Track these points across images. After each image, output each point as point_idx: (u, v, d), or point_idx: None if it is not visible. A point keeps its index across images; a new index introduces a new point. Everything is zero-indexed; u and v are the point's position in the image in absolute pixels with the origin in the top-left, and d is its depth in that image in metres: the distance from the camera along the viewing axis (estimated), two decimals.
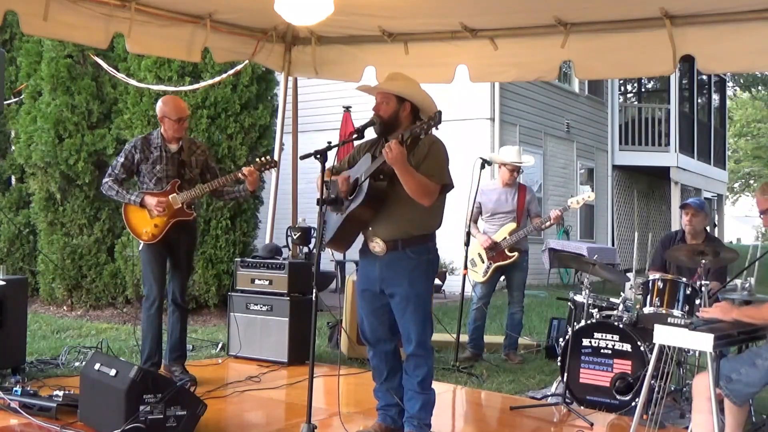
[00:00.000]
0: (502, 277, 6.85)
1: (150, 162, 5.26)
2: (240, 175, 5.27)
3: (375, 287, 4.02)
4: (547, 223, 6.54)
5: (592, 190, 18.16)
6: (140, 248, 5.32)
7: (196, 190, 5.26)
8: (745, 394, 3.48)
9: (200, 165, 5.43)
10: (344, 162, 4.22)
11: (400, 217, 3.90)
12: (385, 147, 3.70)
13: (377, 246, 3.95)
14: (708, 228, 5.90)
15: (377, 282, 4.00)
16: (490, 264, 6.62)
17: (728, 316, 3.59)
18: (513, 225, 6.61)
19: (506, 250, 6.59)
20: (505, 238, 6.58)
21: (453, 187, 3.99)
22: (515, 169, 6.71)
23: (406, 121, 3.95)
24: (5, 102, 7.20)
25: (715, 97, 24.09)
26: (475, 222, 6.75)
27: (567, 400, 4.96)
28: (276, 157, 7.21)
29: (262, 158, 5.42)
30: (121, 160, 5.30)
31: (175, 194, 5.23)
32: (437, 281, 11.18)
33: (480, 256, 6.69)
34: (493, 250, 6.59)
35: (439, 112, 3.69)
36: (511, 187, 6.73)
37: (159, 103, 5.37)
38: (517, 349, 6.86)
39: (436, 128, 3.71)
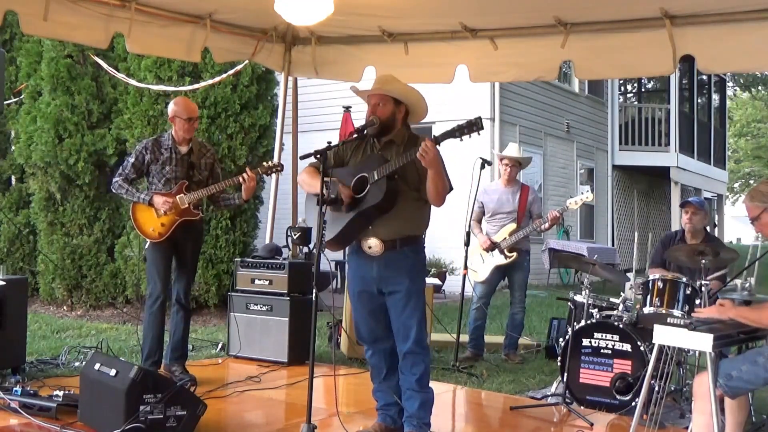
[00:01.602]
0: (505, 278, 6.86)
1: (160, 163, 5.33)
2: (241, 178, 5.29)
3: (372, 288, 4.02)
4: (546, 225, 6.53)
5: (592, 191, 18.20)
6: (146, 247, 5.37)
7: (202, 191, 5.32)
8: (742, 390, 3.48)
9: (208, 168, 5.49)
10: (330, 156, 4.16)
11: (400, 218, 3.91)
12: (422, 149, 3.66)
13: (374, 246, 3.94)
14: (708, 228, 5.90)
15: (375, 282, 4.00)
16: (490, 264, 6.62)
17: (725, 315, 3.58)
18: (513, 225, 6.61)
19: (506, 251, 6.58)
20: (505, 238, 6.58)
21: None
22: (514, 165, 6.70)
23: (400, 123, 3.99)
24: (5, 102, 7.20)
25: (715, 97, 24.09)
26: (478, 222, 6.76)
27: (567, 400, 4.96)
28: (276, 157, 7.23)
29: (269, 162, 5.48)
30: (132, 160, 5.38)
31: (182, 194, 5.29)
32: (437, 281, 11.17)
33: (480, 256, 6.69)
34: (493, 250, 6.59)
35: (479, 118, 3.69)
36: (514, 187, 6.72)
37: (170, 104, 5.46)
38: (517, 348, 6.85)
39: (478, 134, 3.71)
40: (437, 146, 3.71)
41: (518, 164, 6.77)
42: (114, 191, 5.44)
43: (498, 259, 6.60)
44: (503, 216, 6.66)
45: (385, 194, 3.83)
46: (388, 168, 3.83)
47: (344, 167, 4.08)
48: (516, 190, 6.71)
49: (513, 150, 6.80)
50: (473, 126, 3.67)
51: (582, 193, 6.60)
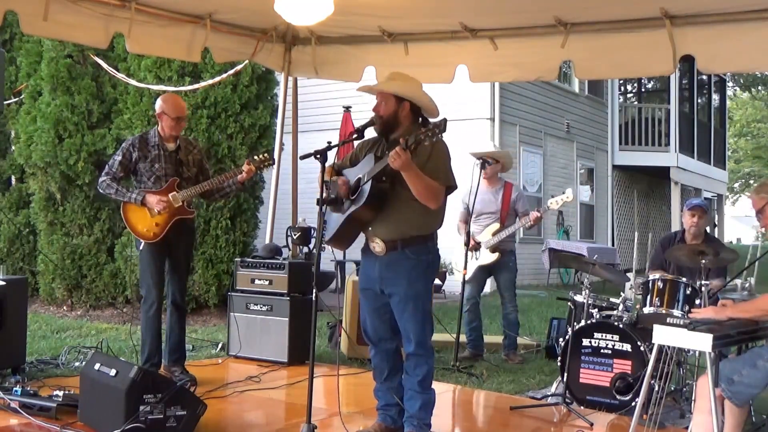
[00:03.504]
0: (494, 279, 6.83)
1: (148, 161, 5.24)
2: (240, 175, 5.27)
3: (375, 287, 4.04)
4: (528, 224, 6.55)
5: (592, 191, 18.22)
6: (140, 248, 5.28)
7: (195, 188, 5.25)
8: (747, 396, 3.48)
9: (196, 164, 5.43)
10: (346, 159, 4.22)
11: (399, 218, 3.91)
12: (391, 154, 3.68)
13: (377, 246, 3.96)
14: (708, 228, 5.91)
15: (377, 281, 4.01)
16: (473, 264, 6.56)
17: (722, 315, 3.58)
18: (497, 226, 6.57)
19: (488, 251, 6.56)
20: (489, 238, 6.54)
21: (456, 188, 4.01)
22: (488, 161, 6.57)
23: (406, 121, 3.97)
24: (5, 102, 7.20)
25: (715, 97, 24.09)
26: (465, 222, 6.70)
27: (567, 400, 4.96)
28: (276, 157, 7.22)
29: (260, 156, 5.41)
30: (119, 158, 5.27)
31: (175, 192, 5.21)
32: (437, 281, 11.17)
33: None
34: (477, 250, 6.55)
35: (444, 120, 3.68)
36: (496, 186, 6.64)
37: (158, 100, 5.36)
38: (517, 348, 6.84)
39: (440, 136, 3.69)
40: (407, 150, 3.67)
41: (495, 161, 6.65)
42: (101, 191, 5.29)
43: (483, 258, 6.57)
44: (487, 216, 6.61)
45: (368, 196, 3.84)
46: (372, 171, 3.85)
47: (352, 168, 4.10)
48: (499, 189, 6.65)
49: (487, 146, 6.66)
50: (437, 128, 3.67)
51: (563, 193, 6.55)
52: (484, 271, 6.70)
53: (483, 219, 6.65)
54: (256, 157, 5.39)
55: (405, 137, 3.75)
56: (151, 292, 5.26)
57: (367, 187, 3.86)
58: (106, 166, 5.32)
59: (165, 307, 5.43)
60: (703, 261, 4.68)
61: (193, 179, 5.36)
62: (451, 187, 3.96)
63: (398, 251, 3.93)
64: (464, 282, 6.55)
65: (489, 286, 6.91)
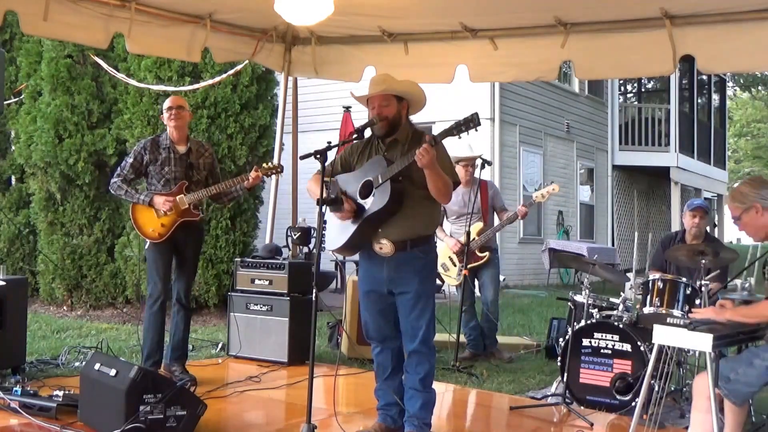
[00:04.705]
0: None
1: (159, 163, 5.32)
2: (247, 181, 5.32)
3: (382, 288, 4.02)
4: (512, 221, 6.54)
5: (592, 191, 18.22)
6: (147, 247, 5.36)
7: (203, 192, 5.32)
8: (744, 394, 3.48)
9: (207, 168, 5.49)
10: (336, 163, 4.19)
11: (409, 218, 3.91)
12: (419, 151, 3.67)
13: (385, 247, 3.94)
14: (708, 228, 5.91)
15: (385, 283, 4.00)
16: (463, 266, 6.51)
17: (722, 317, 3.58)
18: (480, 225, 6.53)
19: (477, 251, 6.53)
20: (474, 239, 6.48)
21: (460, 183, 4.02)
22: (470, 164, 6.52)
23: (404, 119, 4.00)
24: (5, 102, 7.20)
25: (715, 97, 24.09)
26: (440, 225, 6.64)
27: (567, 400, 4.96)
28: (276, 157, 7.25)
29: (269, 163, 5.49)
30: (130, 160, 5.35)
31: (182, 195, 5.29)
32: (437, 281, 11.15)
33: (451, 259, 6.61)
34: (464, 252, 6.47)
35: (476, 114, 3.68)
36: (472, 186, 6.55)
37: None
38: (498, 344, 6.78)
39: (476, 130, 3.70)
40: (436, 145, 3.71)
41: (473, 162, 6.58)
42: (113, 192, 5.41)
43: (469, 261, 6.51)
44: (467, 216, 6.48)
45: (390, 197, 3.83)
46: (391, 171, 3.84)
47: (350, 173, 4.08)
48: (475, 189, 6.54)
49: (466, 150, 6.62)
50: (470, 123, 3.67)
51: (551, 183, 6.51)
52: (472, 272, 6.64)
53: (464, 219, 6.51)
54: (264, 165, 5.45)
55: (432, 135, 3.76)
56: (156, 288, 5.32)
57: (386, 188, 3.84)
58: (118, 168, 5.43)
59: (169, 306, 5.45)
60: (703, 261, 4.69)
61: (203, 182, 5.44)
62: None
63: (407, 251, 3.93)
64: (464, 282, 6.52)
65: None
